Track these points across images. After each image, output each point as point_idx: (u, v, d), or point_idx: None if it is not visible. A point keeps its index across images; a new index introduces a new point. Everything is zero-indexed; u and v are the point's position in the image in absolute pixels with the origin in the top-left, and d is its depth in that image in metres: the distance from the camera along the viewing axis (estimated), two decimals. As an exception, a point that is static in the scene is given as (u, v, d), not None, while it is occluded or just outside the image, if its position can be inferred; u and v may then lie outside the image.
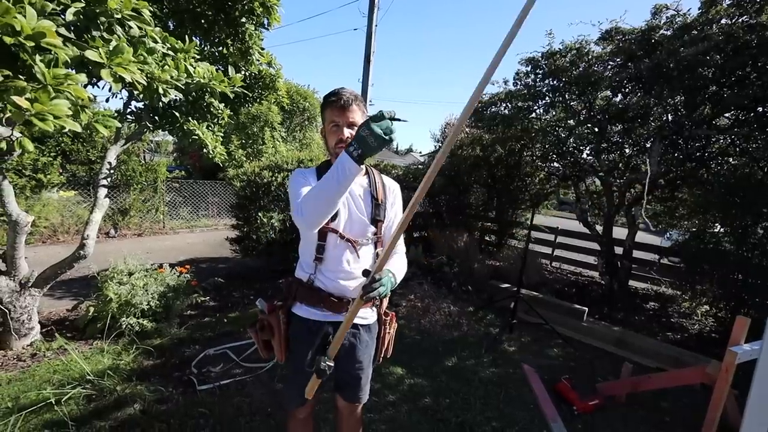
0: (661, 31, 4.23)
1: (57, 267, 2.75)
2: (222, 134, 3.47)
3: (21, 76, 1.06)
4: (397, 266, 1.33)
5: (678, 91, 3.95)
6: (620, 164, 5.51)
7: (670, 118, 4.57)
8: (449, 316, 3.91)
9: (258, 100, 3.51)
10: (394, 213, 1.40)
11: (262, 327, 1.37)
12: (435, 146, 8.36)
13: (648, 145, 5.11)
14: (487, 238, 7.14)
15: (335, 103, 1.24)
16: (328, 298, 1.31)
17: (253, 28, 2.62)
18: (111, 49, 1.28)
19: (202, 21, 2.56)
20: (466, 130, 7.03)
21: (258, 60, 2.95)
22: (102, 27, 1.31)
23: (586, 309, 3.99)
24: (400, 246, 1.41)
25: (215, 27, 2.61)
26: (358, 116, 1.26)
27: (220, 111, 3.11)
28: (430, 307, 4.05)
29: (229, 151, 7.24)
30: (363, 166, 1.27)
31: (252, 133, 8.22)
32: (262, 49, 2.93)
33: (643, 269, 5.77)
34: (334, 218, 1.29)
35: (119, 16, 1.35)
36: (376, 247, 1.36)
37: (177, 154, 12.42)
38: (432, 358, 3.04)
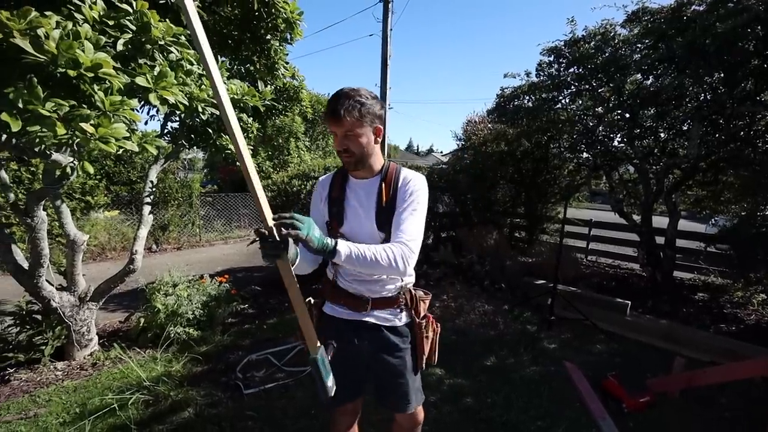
0: (693, 7, 4.02)
1: (110, 281, 2.95)
2: (251, 147, 3.61)
3: (83, 105, 1.17)
4: (364, 247, 1.11)
5: (716, 69, 3.73)
6: (655, 149, 5.25)
7: (708, 97, 4.32)
8: (484, 315, 3.86)
9: (284, 112, 3.63)
10: (402, 199, 1.25)
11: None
12: (457, 145, 8.27)
13: (685, 128, 4.86)
14: (516, 235, 6.99)
15: (326, 113, 1.17)
16: (347, 296, 1.34)
17: (277, 44, 2.73)
18: (156, 74, 1.39)
19: (230, 41, 2.69)
20: (489, 126, 6.94)
21: (283, 74, 3.05)
22: (147, 54, 1.42)
23: (629, 303, 3.83)
24: (403, 233, 1.19)
25: (242, 46, 2.73)
26: (354, 126, 1.16)
27: (249, 125, 3.24)
28: (464, 306, 4.02)
29: (257, 163, 7.49)
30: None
31: (278, 144, 8.47)
32: (287, 63, 3.04)
33: (687, 259, 5.46)
34: (341, 224, 1.29)
35: (162, 42, 1.46)
36: None
37: (207, 170, 12.99)
38: (470, 358, 3.01)
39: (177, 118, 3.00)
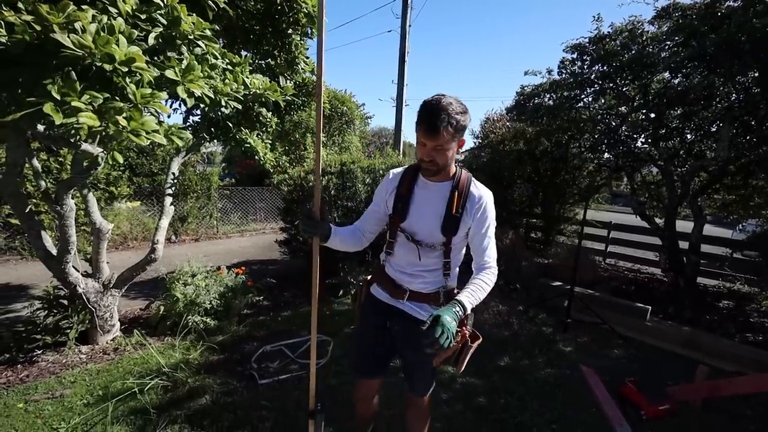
0: (728, 3, 3.86)
1: (132, 269, 3.03)
2: (270, 142, 3.65)
3: (116, 98, 1.20)
4: (473, 288, 1.26)
5: (751, 67, 3.57)
6: (681, 151, 5.08)
7: (740, 97, 4.15)
8: (498, 315, 3.82)
9: (303, 107, 3.65)
10: (479, 225, 1.34)
11: (355, 296, 1.68)
12: (474, 143, 8.18)
13: (713, 129, 4.68)
14: (532, 235, 6.88)
15: (424, 124, 1.19)
16: (389, 282, 1.46)
17: (298, 38, 2.75)
18: (184, 67, 1.42)
19: (251, 36, 2.72)
20: (507, 124, 6.83)
21: (303, 68, 3.07)
22: (176, 48, 1.45)
23: (649, 308, 3.73)
24: (490, 259, 1.35)
25: (263, 40, 2.75)
26: (446, 141, 1.20)
27: (268, 119, 3.28)
28: (478, 306, 3.98)
29: (275, 157, 7.58)
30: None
31: (294, 139, 8.54)
32: (307, 58, 3.06)
33: (712, 265, 5.28)
34: (403, 218, 1.36)
35: (192, 37, 1.49)
36: (444, 257, 1.37)
37: (224, 164, 13.22)
38: (483, 358, 2.98)
39: (199, 112, 3.06)
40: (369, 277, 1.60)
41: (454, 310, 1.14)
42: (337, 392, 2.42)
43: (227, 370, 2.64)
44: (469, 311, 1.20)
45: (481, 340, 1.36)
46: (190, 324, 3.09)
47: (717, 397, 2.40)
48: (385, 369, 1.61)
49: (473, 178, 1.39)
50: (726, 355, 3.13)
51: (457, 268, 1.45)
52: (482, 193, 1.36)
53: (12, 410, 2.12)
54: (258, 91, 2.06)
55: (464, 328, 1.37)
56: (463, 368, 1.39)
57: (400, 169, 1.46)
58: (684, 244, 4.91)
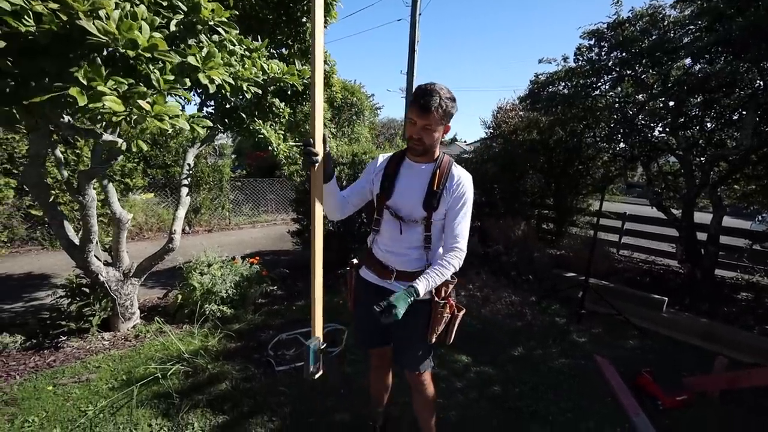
0: (756, -16, 3.70)
1: (151, 259, 3.09)
2: (282, 133, 3.65)
3: (140, 84, 1.22)
4: (433, 273, 1.35)
5: (779, 52, 3.44)
6: (701, 140, 4.95)
7: (765, 84, 4.00)
8: (511, 305, 3.82)
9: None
10: (455, 201, 1.42)
11: (345, 281, 1.77)
12: (486, 133, 8.07)
13: (735, 117, 4.54)
14: (544, 226, 6.81)
15: (417, 103, 1.30)
16: (377, 264, 1.55)
17: (313, 27, 2.72)
18: (204, 54, 1.43)
19: (265, 25, 2.70)
20: (520, 113, 6.72)
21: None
22: (197, 35, 1.46)
23: (666, 299, 3.68)
24: (460, 239, 1.41)
25: (277, 29, 2.74)
26: (435, 123, 1.32)
27: (281, 110, 3.28)
28: (490, 296, 3.98)
29: (287, 148, 7.61)
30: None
31: (305, 131, 8.53)
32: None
33: (730, 257, 5.17)
34: (389, 195, 1.46)
35: (212, 23, 1.49)
36: (425, 230, 1.45)
37: (235, 156, 13.30)
38: (497, 348, 2.99)
39: (212, 103, 3.08)
40: (356, 262, 1.69)
41: (408, 300, 1.25)
42: (353, 380, 2.46)
43: (245, 357, 2.69)
44: (422, 295, 1.29)
45: (464, 311, 1.53)
46: (207, 312, 3.15)
47: (736, 389, 2.37)
48: (390, 339, 1.66)
49: (455, 162, 1.50)
50: (744, 347, 3.09)
51: (440, 249, 1.49)
52: (461, 173, 1.46)
53: (42, 393, 2.20)
54: (277, 75, 2.06)
55: (449, 299, 1.49)
56: (452, 339, 1.55)
57: (389, 153, 1.57)
58: (701, 236, 4.81)
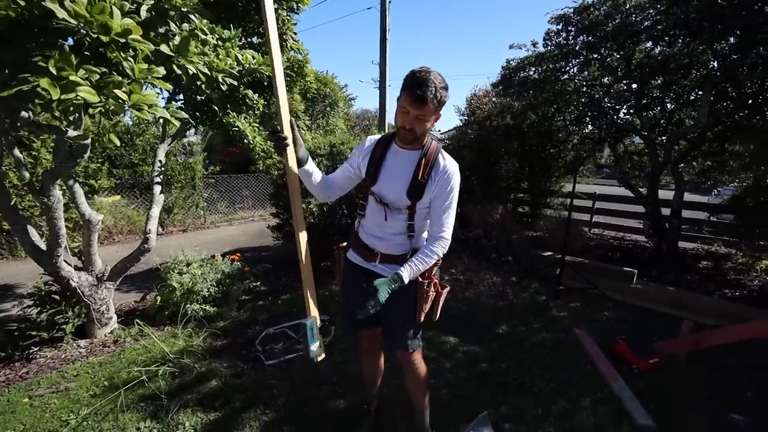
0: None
1: (126, 261, 2.97)
2: (257, 125, 3.57)
3: (113, 73, 1.15)
4: (417, 260, 1.38)
5: (731, 32, 3.65)
6: (662, 120, 5.21)
7: (719, 64, 4.25)
8: (493, 286, 3.93)
9: (289, 87, 3.56)
10: (441, 191, 1.41)
11: (334, 261, 1.75)
12: (460, 121, 8.16)
13: (692, 98, 4.80)
14: (520, 210, 7.02)
15: (413, 93, 1.24)
16: (362, 247, 1.56)
17: (285, 14, 2.64)
18: (178, 42, 1.36)
19: (235, 12, 2.60)
20: (494, 99, 6.84)
21: (290, 46, 2.98)
22: (168, 21, 1.38)
23: (636, 271, 3.90)
24: (446, 229, 1.42)
25: (247, 16, 2.65)
26: (429, 113, 1.29)
27: (254, 102, 3.19)
28: (473, 279, 4.08)
29: (262, 142, 7.43)
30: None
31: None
32: (295, 34, 2.96)
33: (691, 229, 5.53)
34: (374, 183, 1.46)
35: (185, 9, 1.42)
36: (409, 219, 1.46)
37: (205, 153, 12.83)
38: (482, 327, 3.08)
39: (182, 96, 2.95)
40: (344, 244, 1.71)
41: (391, 286, 1.30)
42: (343, 367, 2.48)
43: (233, 354, 2.65)
44: (406, 282, 1.33)
45: (449, 288, 1.57)
46: (190, 312, 3.07)
47: (700, 351, 2.56)
48: (379, 321, 1.65)
49: (442, 150, 1.47)
50: (706, 311, 3.33)
51: (424, 235, 1.53)
52: (448, 163, 1.43)
53: (17, 406, 2.10)
54: (252, 66, 2.00)
55: (433, 278, 1.52)
56: (437, 316, 1.58)
57: (377, 136, 1.55)
58: (665, 211, 5.11)
